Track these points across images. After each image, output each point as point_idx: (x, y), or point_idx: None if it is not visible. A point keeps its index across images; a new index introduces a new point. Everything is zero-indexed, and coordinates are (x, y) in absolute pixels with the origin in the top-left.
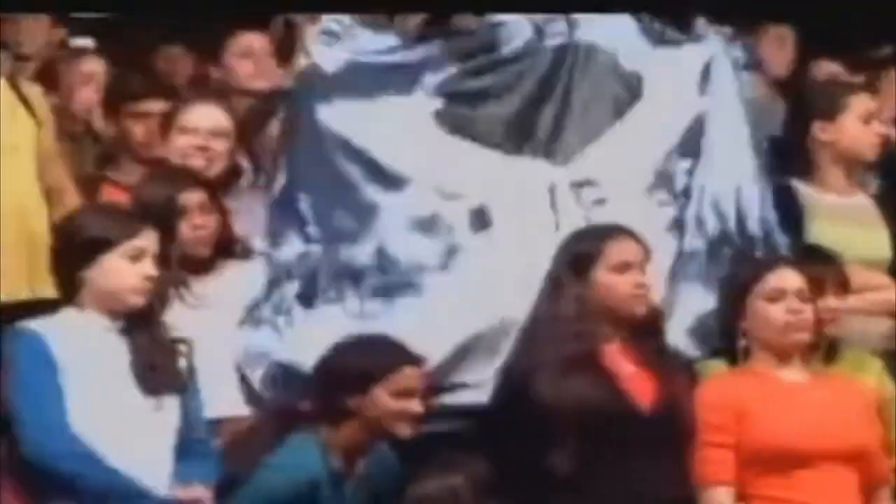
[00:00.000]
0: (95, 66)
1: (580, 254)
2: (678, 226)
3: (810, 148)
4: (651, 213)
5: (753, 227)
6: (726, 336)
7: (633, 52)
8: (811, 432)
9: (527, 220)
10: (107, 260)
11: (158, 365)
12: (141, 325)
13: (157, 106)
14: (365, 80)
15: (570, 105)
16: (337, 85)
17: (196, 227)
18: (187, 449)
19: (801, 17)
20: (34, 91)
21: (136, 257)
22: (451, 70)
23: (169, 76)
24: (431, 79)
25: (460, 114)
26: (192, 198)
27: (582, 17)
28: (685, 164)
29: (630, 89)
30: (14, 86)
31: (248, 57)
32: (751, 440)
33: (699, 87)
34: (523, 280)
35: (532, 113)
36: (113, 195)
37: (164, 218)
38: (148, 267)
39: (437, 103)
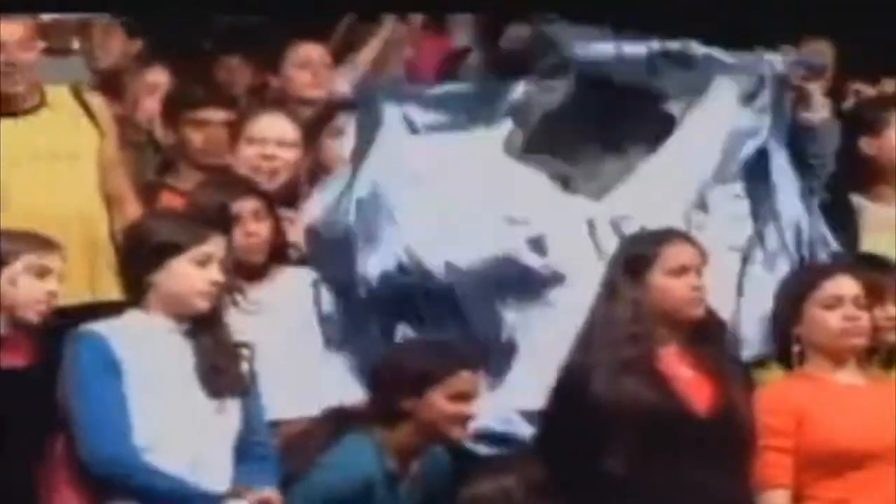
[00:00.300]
0: (160, 77)
1: (636, 257)
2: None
3: (861, 161)
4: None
5: (804, 246)
6: (781, 341)
7: (666, 86)
8: (868, 434)
9: (571, 251)
10: (175, 264)
11: (222, 368)
12: (206, 328)
13: (215, 114)
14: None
15: (605, 141)
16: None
17: (249, 234)
18: (248, 451)
19: (838, 31)
20: (97, 100)
21: (204, 263)
22: (526, 86)
23: (228, 86)
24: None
25: (531, 137)
26: (246, 205)
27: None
28: (731, 188)
29: (663, 124)
30: (77, 95)
31: (306, 67)
32: (809, 443)
33: (738, 113)
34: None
35: (573, 144)
36: (172, 201)
37: (217, 225)
38: (214, 272)
39: (509, 126)
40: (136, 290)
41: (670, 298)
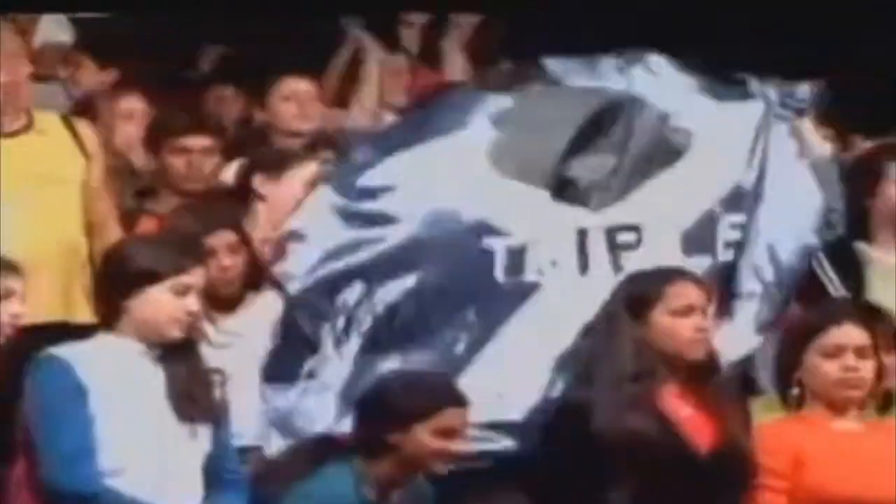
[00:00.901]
0: (135, 104)
1: (640, 295)
2: (721, 275)
3: (865, 209)
4: (686, 263)
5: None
6: (781, 382)
7: (686, 107)
8: (865, 480)
9: (556, 262)
10: (153, 292)
11: (194, 394)
12: (178, 354)
13: (198, 141)
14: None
15: (616, 154)
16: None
17: (223, 268)
18: (218, 478)
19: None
20: (85, 127)
21: (182, 292)
22: (508, 101)
23: (218, 115)
24: (487, 109)
25: (512, 149)
26: (220, 239)
27: (637, 70)
28: (732, 217)
29: (678, 144)
30: (66, 121)
31: (291, 100)
32: (804, 487)
33: (750, 146)
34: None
35: (576, 156)
36: (150, 227)
37: (194, 254)
38: (191, 302)
39: (492, 135)
40: (109, 314)
41: (674, 339)
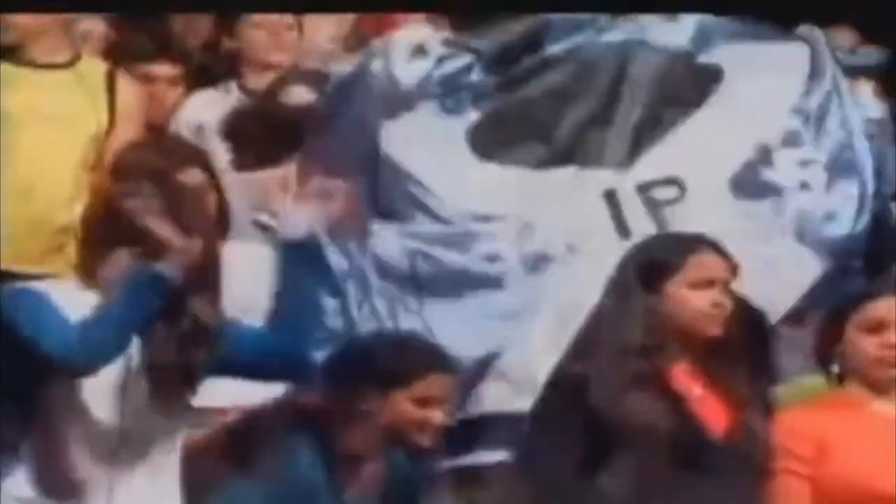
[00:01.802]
0: (94, 26)
1: (657, 262)
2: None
3: None
4: (740, 209)
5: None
6: (821, 356)
7: (713, 47)
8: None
9: (583, 233)
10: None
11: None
12: None
13: (163, 69)
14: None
15: (628, 106)
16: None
17: None
18: None
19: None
20: (129, 90)
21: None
22: (494, 79)
23: (184, 37)
24: (471, 91)
25: (495, 132)
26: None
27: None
28: (790, 153)
29: (705, 84)
30: (111, 76)
31: (263, 27)
32: (830, 474)
33: (807, 78)
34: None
35: (581, 119)
36: None
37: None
38: None
39: (474, 118)
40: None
41: (687, 312)
